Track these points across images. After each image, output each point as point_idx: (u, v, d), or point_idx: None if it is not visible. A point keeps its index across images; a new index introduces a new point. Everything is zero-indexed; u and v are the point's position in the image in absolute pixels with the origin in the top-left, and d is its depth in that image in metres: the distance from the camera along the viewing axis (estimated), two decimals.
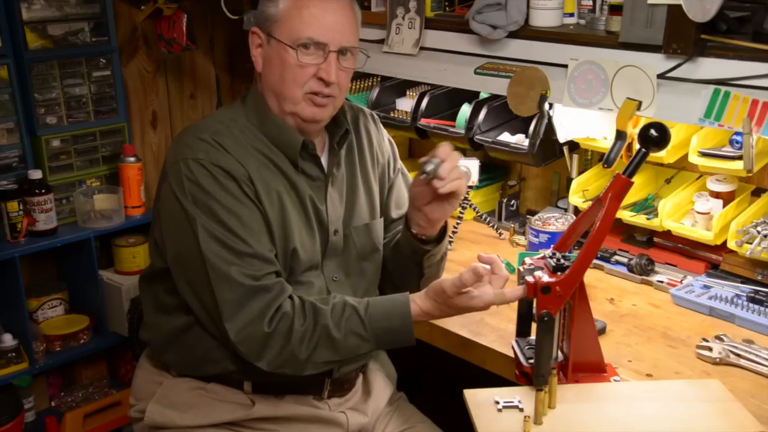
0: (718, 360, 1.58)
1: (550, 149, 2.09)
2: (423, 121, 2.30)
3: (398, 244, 1.71)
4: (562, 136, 2.05)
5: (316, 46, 1.51)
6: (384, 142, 1.80)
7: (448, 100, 2.35)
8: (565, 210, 2.21)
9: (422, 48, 2.15)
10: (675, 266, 1.97)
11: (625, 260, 1.99)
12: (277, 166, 1.57)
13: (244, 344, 1.46)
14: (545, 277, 1.39)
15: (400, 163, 1.84)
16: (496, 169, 2.51)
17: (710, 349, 1.60)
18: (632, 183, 1.41)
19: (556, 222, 2.03)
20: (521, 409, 1.38)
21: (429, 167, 1.49)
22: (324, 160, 1.65)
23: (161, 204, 1.55)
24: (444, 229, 1.67)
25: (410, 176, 1.86)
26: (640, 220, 1.97)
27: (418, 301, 1.49)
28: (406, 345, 1.51)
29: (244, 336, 1.46)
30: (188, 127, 1.59)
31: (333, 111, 1.60)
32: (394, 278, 1.75)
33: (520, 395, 1.41)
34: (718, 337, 1.64)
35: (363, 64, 1.61)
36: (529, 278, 1.41)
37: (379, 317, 1.47)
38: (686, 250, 1.96)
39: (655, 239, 2.01)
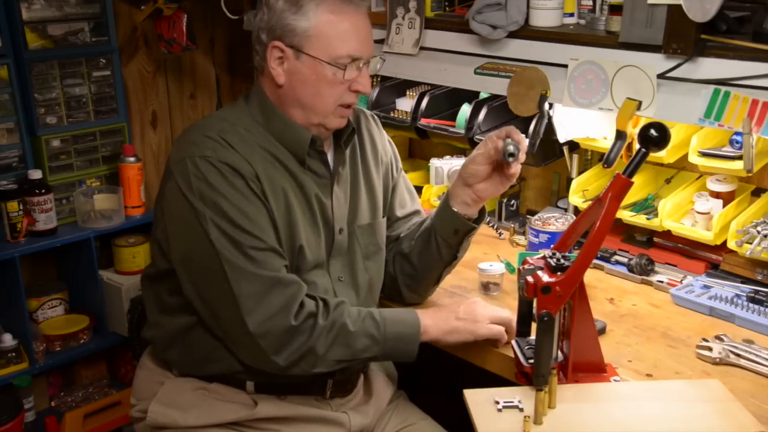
0: (718, 360, 1.58)
1: (550, 149, 2.09)
2: (423, 121, 2.30)
3: (429, 231, 1.72)
4: (562, 136, 2.05)
5: (354, 61, 1.53)
6: (385, 142, 1.81)
7: (448, 100, 2.35)
8: (565, 210, 2.21)
9: (422, 48, 2.15)
10: (675, 266, 1.97)
11: (625, 260, 1.99)
12: (283, 164, 1.57)
13: (264, 338, 1.46)
14: (545, 277, 1.39)
15: (400, 163, 1.85)
16: None
17: (710, 349, 1.60)
18: (632, 183, 1.41)
19: (556, 222, 2.03)
20: (521, 409, 1.38)
21: (512, 150, 1.57)
22: (329, 159, 1.66)
23: (166, 203, 1.54)
24: (483, 208, 1.74)
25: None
26: (640, 220, 1.96)
27: (425, 317, 1.58)
28: (406, 358, 1.56)
29: (265, 329, 1.46)
30: (193, 125, 1.60)
31: None
32: (417, 271, 1.76)
33: (520, 395, 1.41)
34: (718, 337, 1.64)
35: (379, 68, 1.65)
36: (529, 278, 1.41)
37: (392, 322, 1.54)
38: (686, 250, 1.96)
39: (655, 239, 2.01)
